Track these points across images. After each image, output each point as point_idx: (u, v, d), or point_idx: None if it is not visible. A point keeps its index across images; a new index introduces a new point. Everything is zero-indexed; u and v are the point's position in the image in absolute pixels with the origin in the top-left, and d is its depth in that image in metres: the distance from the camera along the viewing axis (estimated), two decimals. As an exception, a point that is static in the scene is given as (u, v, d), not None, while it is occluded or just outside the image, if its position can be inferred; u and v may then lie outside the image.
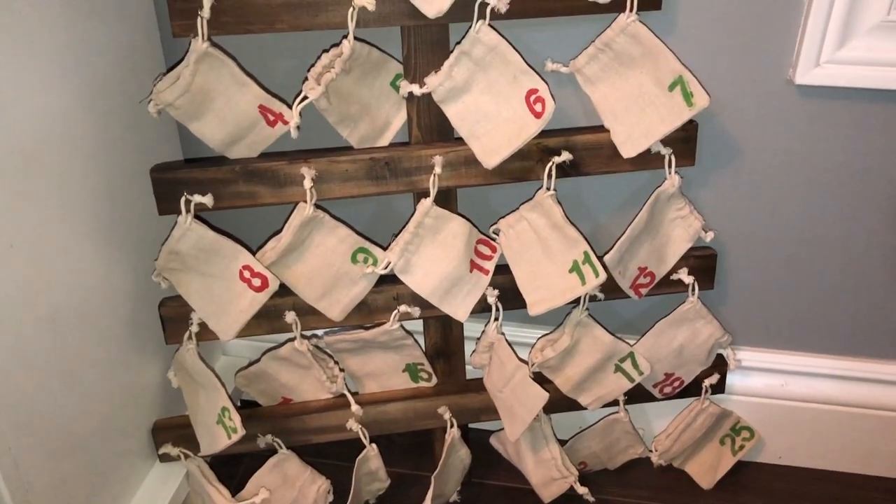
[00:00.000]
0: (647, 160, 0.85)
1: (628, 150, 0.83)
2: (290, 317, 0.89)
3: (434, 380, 0.99)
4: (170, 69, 0.78)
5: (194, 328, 0.88)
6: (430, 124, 0.84)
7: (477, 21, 0.76)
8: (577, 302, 0.89)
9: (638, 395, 0.98)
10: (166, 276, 0.86)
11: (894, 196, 0.89)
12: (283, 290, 0.87)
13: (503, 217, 0.89)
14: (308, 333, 0.92)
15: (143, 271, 0.88)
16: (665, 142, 0.83)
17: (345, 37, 0.76)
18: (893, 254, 0.93)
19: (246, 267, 0.84)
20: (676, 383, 0.99)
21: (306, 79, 0.79)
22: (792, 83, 0.83)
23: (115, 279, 0.85)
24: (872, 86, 0.81)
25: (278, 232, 0.84)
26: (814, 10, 0.78)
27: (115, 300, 0.85)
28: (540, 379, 0.93)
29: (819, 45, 0.80)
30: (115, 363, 0.86)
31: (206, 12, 0.73)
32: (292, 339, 0.91)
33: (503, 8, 0.75)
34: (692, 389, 0.99)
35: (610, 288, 0.89)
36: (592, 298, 0.90)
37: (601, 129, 0.85)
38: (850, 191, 0.90)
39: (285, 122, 0.80)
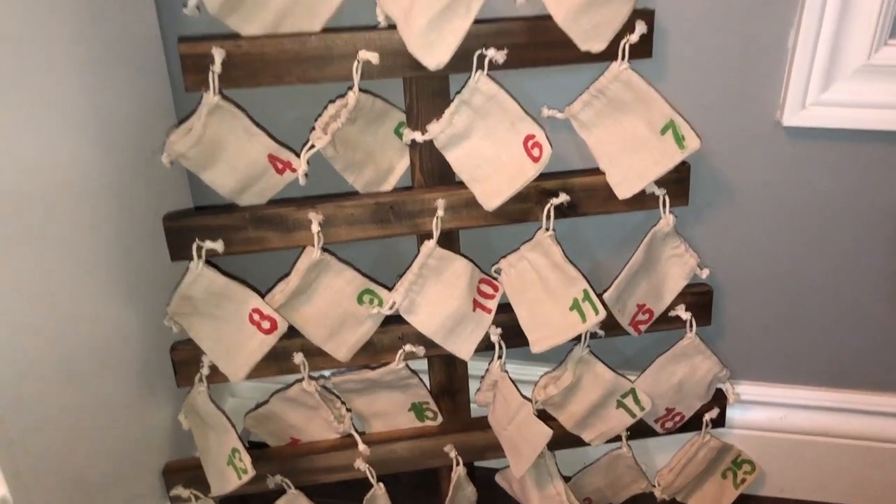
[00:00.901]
0: (642, 200, 0.88)
1: (623, 192, 0.86)
2: (299, 358, 0.91)
3: (439, 418, 1.00)
4: (181, 121, 0.81)
5: (205, 371, 0.91)
6: (432, 169, 0.87)
7: (476, 71, 0.80)
8: (578, 339, 0.91)
9: (640, 430, 1.00)
10: (178, 320, 0.88)
11: (882, 231, 0.92)
12: (291, 331, 0.89)
13: (504, 257, 0.91)
14: (315, 374, 0.94)
15: (155, 316, 0.90)
16: (659, 183, 0.86)
17: (350, 88, 0.80)
18: (885, 287, 0.96)
19: (255, 310, 0.87)
20: (677, 418, 1.00)
21: (313, 128, 0.82)
22: (780, 125, 0.86)
23: (128, 324, 0.87)
24: (857, 126, 0.84)
25: (286, 275, 0.87)
26: (798, 55, 0.82)
27: (127, 345, 0.88)
28: (543, 416, 0.95)
29: (804, 88, 0.83)
30: (127, 407, 0.88)
31: (217, 67, 0.77)
32: (300, 380, 0.93)
33: (500, 59, 0.79)
34: (693, 424, 1.01)
35: (610, 325, 0.91)
36: (593, 335, 0.93)
37: (597, 171, 0.88)
38: (840, 227, 0.92)
39: (294, 170, 0.83)
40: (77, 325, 0.79)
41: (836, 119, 0.84)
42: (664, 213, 0.88)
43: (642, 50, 0.82)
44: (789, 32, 0.82)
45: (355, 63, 0.78)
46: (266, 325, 0.87)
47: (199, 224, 0.84)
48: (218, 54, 0.76)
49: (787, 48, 0.83)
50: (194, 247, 0.84)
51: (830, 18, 0.79)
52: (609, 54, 0.81)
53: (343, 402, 0.98)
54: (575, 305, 0.88)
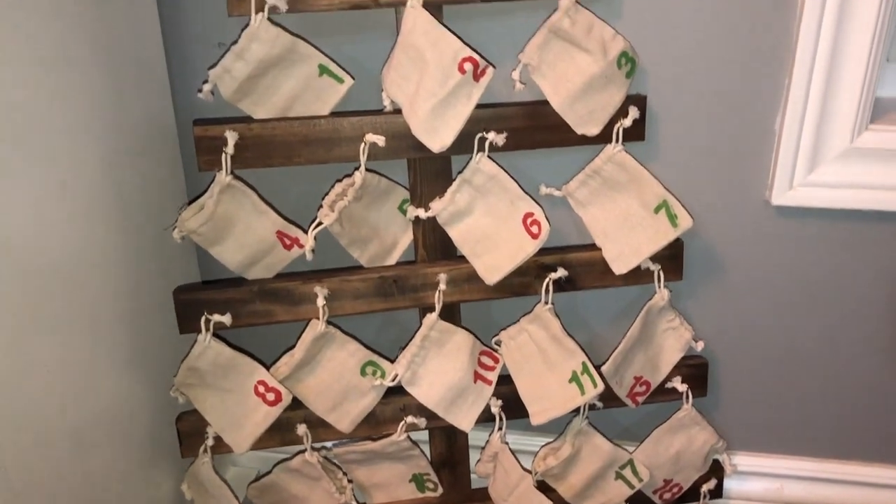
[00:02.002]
0: (638, 276, 0.90)
1: (619, 267, 0.89)
2: (302, 429, 0.93)
3: (440, 490, 1.01)
4: (192, 199, 0.84)
5: (210, 442, 0.92)
6: (435, 244, 0.90)
7: (477, 153, 0.84)
8: (577, 410, 0.93)
9: (638, 501, 1.00)
10: (184, 391, 0.90)
11: (867, 306, 0.95)
12: (295, 402, 0.91)
13: (504, 329, 0.94)
14: (317, 445, 0.95)
15: (162, 386, 0.92)
16: (653, 258, 0.89)
17: (357, 168, 0.83)
18: (876, 358, 0.98)
19: (261, 382, 0.88)
20: (675, 489, 1.01)
21: (321, 206, 0.86)
22: (769, 204, 0.90)
23: (135, 395, 0.89)
24: (842, 206, 0.88)
25: (291, 347, 0.89)
26: (784, 139, 0.86)
27: (134, 415, 0.89)
28: (543, 487, 0.96)
29: (791, 169, 0.87)
30: (131, 476, 0.89)
31: (230, 149, 0.80)
32: (302, 451, 0.94)
33: (500, 142, 0.83)
34: (690, 495, 1.02)
35: (608, 397, 0.93)
36: (592, 407, 0.94)
37: (593, 247, 0.91)
38: (828, 301, 0.95)
39: (301, 246, 0.86)
40: (86, 395, 0.81)
41: (822, 199, 0.88)
42: (659, 287, 0.91)
43: (635, 133, 0.86)
44: (776, 117, 0.87)
45: (362, 145, 0.82)
46: (271, 396, 0.89)
47: (207, 298, 0.86)
48: (231, 137, 0.80)
49: (774, 131, 0.87)
50: (203, 320, 0.86)
51: (814, 104, 0.84)
52: (604, 137, 0.85)
53: (345, 473, 0.99)
54: (574, 378, 0.90)
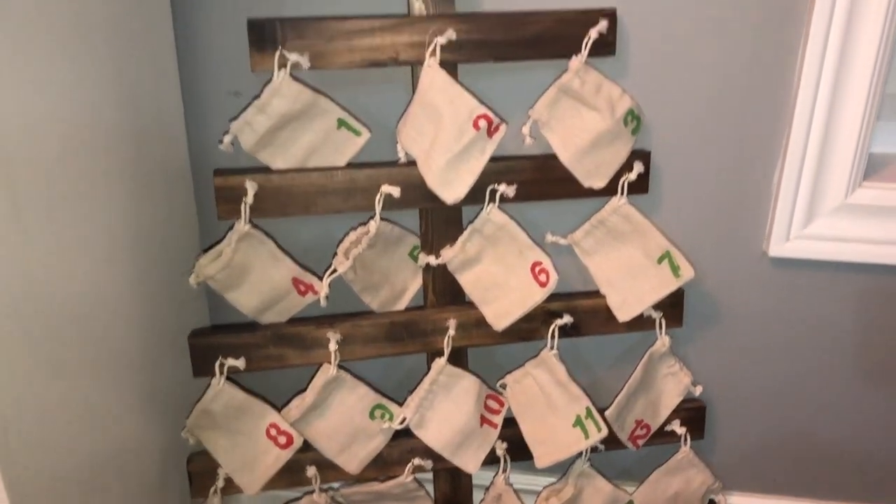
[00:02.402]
0: (640, 323, 0.93)
1: (623, 315, 0.92)
2: (311, 471, 0.94)
3: (443, 529, 1.03)
4: (207, 247, 0.86)
5: (220, 483, 0.93)
6: (444, 290, 0.93)
7: (488, 204, 0.86)
8: (580, 452, 0.95)
9: (638, 541, 1.03)
10: (196, 433, 0.91)
11: (861, 353, 0.98)
12: (305, 445, 0.92)
13: (510, 373, 0.96)
14: (325, 486, 0.97)
15: (174, 428, 0.93)
16: (655, 306, 0.92)
17: (371, 217, 0.86)
18: (868, 405, 1.01)
19: (273, 425, 0.90)
20: (674, 529, 1.04)
21: (335, 253, 0.88)
22: (766, 255, 0.93)
23: (147, 436, 0.90)
24: (837, 258, 0.91)
25: (303, 391, 0.91)
26: (782, 193, 0.89)
27: (145, 456, 0.90)
28: (546, 528, 0.98)
29: (788, 222, 0.90)
30: (141, 518, 0.90)
31: (249, 199, 0.82)
32: (310, 492, 0.96)
33: (511, 194, 0.86)
34: (688, 535, 1.04)
35: (610, 439, 0.95)
36: (594, 449, 0.97)
37: (597, 294, 0.94)
38: (823, 347, 0.99)
39: (315, 293, 0.88)
40: (99, 437, 0.81)
41: (818, 251, 0.91)
42: (660, 334, 0.94)
43: (640, 186, 0.89)
44: (774, 172, 0.90)
45: (378, 195, 0.84)
46: (283, 440, 0.90)
47: (222, 342, 0.88)
48: (251, 187, 0.82)
49: (772, 187, 0.91)
50: (217, 364, 0.87)
51: (811, 161, 0.87)
52: (609, 189, 0.88)
53: (351, 513, 1.00)
54: (578, 422, 0.92)
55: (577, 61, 0.82)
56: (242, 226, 0.83)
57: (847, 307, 0.96)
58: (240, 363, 0.88)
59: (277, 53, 0.79)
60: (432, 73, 0.80)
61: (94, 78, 0.75)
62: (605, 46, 0.83)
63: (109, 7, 0.76)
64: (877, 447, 1.04)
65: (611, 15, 0.82)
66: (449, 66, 0.81)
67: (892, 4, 0.80)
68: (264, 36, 0.79)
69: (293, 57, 0.78)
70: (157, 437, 0.92)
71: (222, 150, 0.82)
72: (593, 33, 0.81)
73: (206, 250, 0.86)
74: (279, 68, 0.79)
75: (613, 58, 0.84)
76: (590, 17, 0.81)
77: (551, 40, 0.82)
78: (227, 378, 0.89)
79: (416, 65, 0.82)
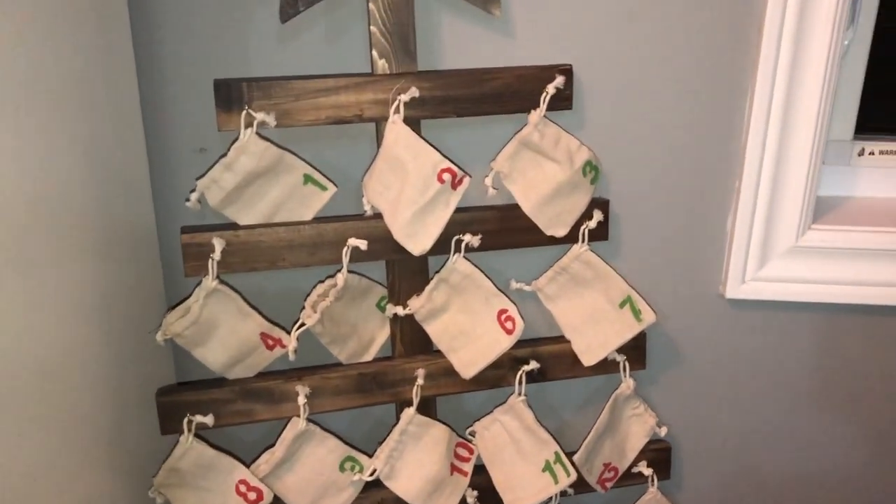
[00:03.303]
0: (605, 366, 0.95)
1: (588, 360, 0.94)
2: (282, 526, 0.93)
3: (416, 580, 1.02)
4: (176, 304, 0.86)
5: (189, 543, 0.91)
6: (413, 340, 0.94)
7: (454, 254, 0.88)
8: (550, 497, 0.96)
9: (609, 584, 1.04)
10: (163, 491, 0.90)
11: (820, 389, 1.01)
12: (274, 500, 0.91)
13: (478, 420, 0.97)
14: (295, 540, 0.96)
15: (140, 486, 0.91)
16: (619, 350, 0.94)
17: (339, 271, 0.86)
18: (827, 440, 1.04)
19: (242, 481, 0.89)
20: (644, 571, 1.04)
21: (303, 307, 0.88)
22: (723, 297, 0.96)
23: (112, 496, 0.88)
24: (789, 298, 0.95)
25: (272, 445, 0.90)
26: (736, 237, 0.93)
27: (111, 518, 0.89)
28: (518, 575, 0.98)
29: (743, 265, 0.94)
30: (107, 582, 0.88)
31: (217, 255, 0.83)
32: (280, 548, 0.95)
33: (475, 243, 0.87)
34: (658, 576, 1.05)
35: (578, 483, 0.96)
36: (563, 493, 0.97)
37: (562, 338, 0.95)
38: (783, 386, 1.02)
39: (283, 346, 0.88)
40: (63, 497, 0.80)
41: (773, 292, 0.95)
42: (625, 377, 0.96)
43: (600, 233, 0.91)
44: (727, 218, 0.94)
45: (345, 248, 0.85)
46: (252, 496, 0.89)
47: (190, 399, 0.88)
48: (218, 244, 0.82)
49: (727, 232, 0.94)
50: (185, 421, 0.87)
51: (762, 207, 0.91)
52: (570, 237, 0.90)
53: (321, 568, 0.99)
54: (547, 467, 0.93)
55: (536, 115, 0.84)
56: (210, 282, 0.83)
57: (803, 345, 0.99)
58: (208, 420, 0.87)
59: (244, 113, 0.80)
60: (396, 129, 0.82)
61: (59, 139, 0.76)
62: (562, 101, 0.86)
63: (72, 66, 0.77)
64: (840, 482, 1.07)
65: (567, 71, 0.85)
66: (412, 122, 0.83)
67: (831, 57, 0.84)
68: (230, 96, 0.80)
69: (260, 116, 0.80)
70: (124, 497, 0.90)
71: (189, 207, 0.83)
72: (551, 88, 0.84)
73: (172, 307, 0.86)
74: (246, 127, 0.80)
75: (571, 111, 0.87)
76: (547, 73, 0.84)
77: (511, 95, 0.85)
78: (195, 435, 0.88)
79: (380, 121, 0.84)
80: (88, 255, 0.82)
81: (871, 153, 0.99)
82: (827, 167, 1.00)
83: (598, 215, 0.90)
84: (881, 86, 0.99)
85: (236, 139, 0.81)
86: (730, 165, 0.92)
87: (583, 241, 0.91)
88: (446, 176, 0.82)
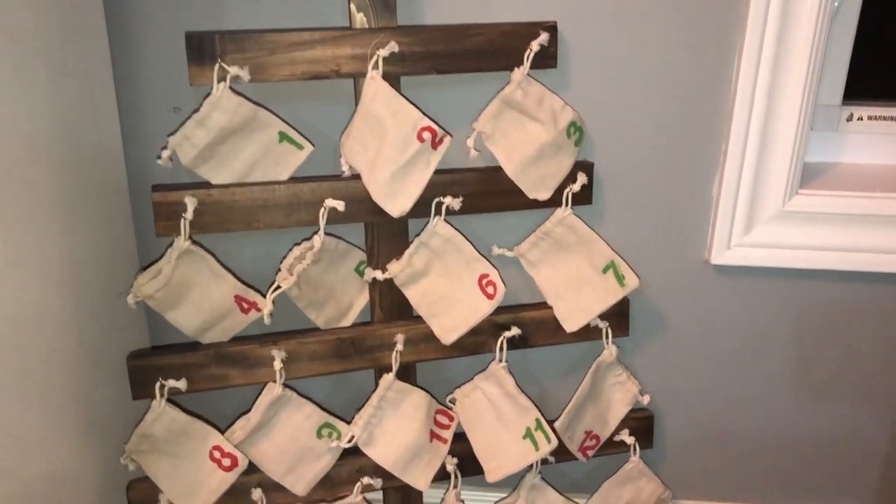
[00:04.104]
0: (587, 332, 0.94)
1: (570, 326, 0.92)
2: (257, 494, 0.91)
3: (395, 548, 1.01)
4: (148, 265, 0.84)
5: (162, 510, 0.90)
6: (392, 305, 0.92)
7: (434, 217, 0.86)
8: (530, 466, 0.95)
9: (590, 553, 1.03)
10: (136, 458, 0.88)
11: (802, 355, 1.00)
12: (250, 467, 0.90)
13: (459, 387, 0.95)
14: (272, 509, 0.94)
15: (112, 453, 0.89)
16: (602, 316, 0.93)
17: (315, 233, 0.84)
18: (810, 407, 1.03)
19: (216, 447, 0.87)
20: (625, 540, 1.04)
21: (279, 269, 0.86)
22: (709, 263, 0.95)
23: (85, 462, 0.86)
24: (775, 264, 0.93)
25: (247, 411, 0.88)
26: (722, 203, 0.91)
27: (83, 482, 0.86)
28: (498, 543, 0.97)
29: (728, 231, 0.92)
30: (78, 549, 0.86)
31: (189, 215, 0.80)
32: (257, 516, 0.93)
33: (457, 206, 0.85)
34: (640, 545, 1.05)
35: (559, 451, 0.95)
36: (544, 462, 0.96)
37: (545, 305, 0.94)
38: (767, 354, 1.00)
39: (259, 310, 0.86)
40: (35, 462, 0.78)
41: (758, 258, 0.93)
42: (607, 344, 0.94)
43: (583, 197, 0.90)
44: (714, 182, 0.92)
45: (321, 210, 0.83)
46: (227, 462, 0.87)
47: (162, 363, 0.85)
48: (190, 203, 0.80)
49: (713, 196, 0.92)
50: (157, 386, 0.85)
51: (749, 171, 0.89)
52: (554, 201, 0.88)
53: (299, 536, 0.98)
54: (528, 434, 0.92)
55: (519, 73, 0.82)
56: (182, 242, 0.81)
57: (788, 312, 0.98)
58: (181, 384, 0.85)
59: (216, 66, 0.77)
60: (375, 85, 0.80)
61: (28, 97, 0.73)
62: (546, 59, 0.84)
63: (42, 25, 0.74)
64: (821, 452, 1.06)
65: (552, 28, 0.82)
66: (392, 79, 0.81)
67: (822, 17, 0.82)
68: (203, 49, 0.77)
69: (233, 70, 0.77)
70: (95, 464, 0.88)
71: (161, 164, 0.80)
72: (535, 45, 0.82)
73: (144, 269, 0.84)
74: (218, 81, 0.77)
75: (555, 70, 0.85)
76: (531, 29, 0.82)
77: (494, 52, 0.82)
78: (168, 400, 0.86)
79: (358, 77, 0.82)
80: (58, 214, 0.79)
81: (860, 118, 0.98)
82: (815, 133, 0.98)
83: (582, 178, 0.88)
84: (871, 49, 0.97)
85: (209, 95, 0.78)
86: (717, 129, 0.90)
87: (566, 204, 0.89)
88: (426, 135, 0.80)
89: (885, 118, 0.97)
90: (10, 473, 0.75)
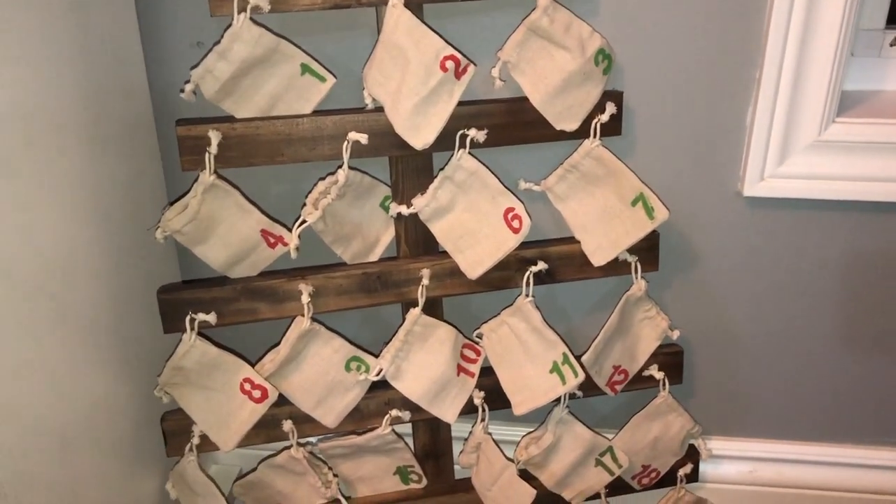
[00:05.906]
0: (616, 267, 0.93)
1: (598, 259, 0.91)
2: (288, 425, 0.93)
3: (424, 481, 1.02)
4: (174, 200, 0.84)
5: (195, 440, 0.92)
6: (417, 240, 0.91)
7: (458, 150, 0.85)
8: (558, 400, 0.95)
9: (618, 487, 1.03)
10: (168, 390, 0.90)
11: (836, 292, 0.98)
12: (280, 399, 0.91)
13: (486, 322, 0.95)
14: (302, 441, 0.96)
15: (146, 386, 0.92)
16: (631, 250, 0.91)
17: (340, 166, 0.84)
18: (842, 345, 1.01)
19: (247, 380, 0.89)
20: (653, 474, 1.04)
21: (304, 204, 0.86)
22: (741, 195, 0.93)
23: (120, 395, 0.89)
24: (810, 196, 0.91)
25: (276, 345, 0.89)
26: (755, 132, 0.88)
27: (118, 415, 0.89)
28: (525, 475, 0.98)
29: (762, 162, 0.90)
30: (117, 477, 0.89)
31: (213, 149, 0.80)
32: (288, 447, 0.95)
33: (481, 139, 0.84)
34: (668, 479, 1.05)
35: (587, 386, 0.95)
36: (572, 396, 0.96)
37: (572, 240, 0.93)
38: (799, 287, 0.98)
39: (285, 244, 0.86)
40: (70, 396, 0.80)
41: (792, 190, 0.91)
42: (636, 278, 0.93)
43: (612, 128, 0.87)
44: (747, 111, 0.89)
45: (345, 143, 0.83)
46: (257, 394, 0.89)
47: (192, 297, 0.87)
48: (214, 136, 0.80)
49: (746, 126, 0.90)
50: (188, 319, 0.86)
51: (784, 99, 0.86)
52: (581, 132, 0.87)
53: (330, 468, 1.00)
54: (555, 368, 0.92)
55: (545, -2, 0.80)
56: (207, 176, 0.81)
57: (823, 246, 0.95)
58: (211, 318, 0.86)
59: (236, -4, 0.76)
60: (397, 13, 0.78)
61: (52, 32, 0.73)
62: (573, -17, 0.81)
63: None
64: (855, 389, 1.05)
65: (578, -50, 0.80)
66: (414, 7, 0.79)
67: (864, -67, 0.78)
68: (222, -22, 0.76)
69: (253, 0, 0.76)
70: (130, 396, 0.91)
71: (184, 98, 0.80)
72: (561, -30, 0.79)
73: (172, 203, 0.84)
74: (239, 12, 0.77)
75: (582, -4, 0.83)
76: (557, -48, 0.79)
77: (518, -22, 0.80)
78: (199, 334, 0.87)
79: (380, 6, 0.80)
80: (83, 149, 0.80)
81: (904, 43, 0.94)
82: (855, 59, 0.94)
83: (610, 108, 0.86)
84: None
85: (230, 26, 0.77)
86: (750, 54, 0.86)
87: (594, 135, 0.87)
88: (449, 64, 0.79)
89: (930, 42, 0.93)
90: (52, 407, 0.77)
